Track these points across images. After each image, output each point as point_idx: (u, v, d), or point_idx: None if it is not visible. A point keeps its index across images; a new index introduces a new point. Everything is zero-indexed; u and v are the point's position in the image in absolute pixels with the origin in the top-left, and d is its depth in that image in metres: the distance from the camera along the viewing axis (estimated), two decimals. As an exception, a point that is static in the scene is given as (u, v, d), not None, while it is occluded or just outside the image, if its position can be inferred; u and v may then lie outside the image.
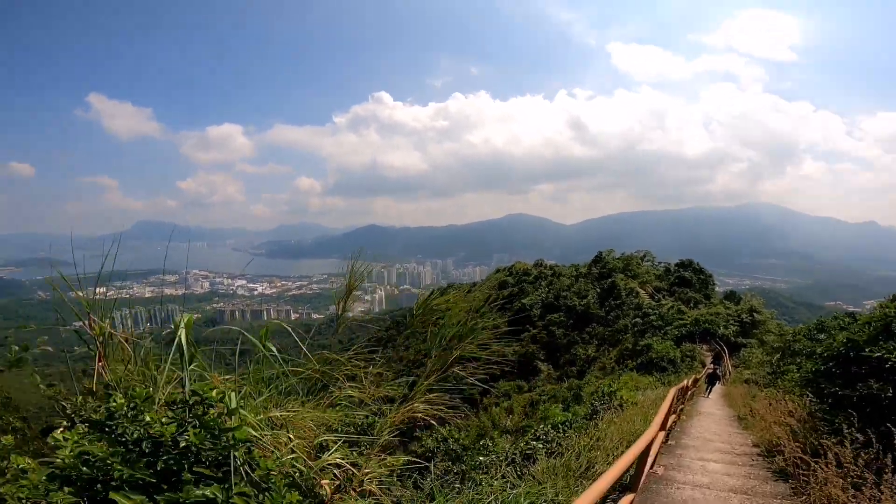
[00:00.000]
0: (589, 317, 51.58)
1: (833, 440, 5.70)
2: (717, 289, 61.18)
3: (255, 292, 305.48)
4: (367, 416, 4.14)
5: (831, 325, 18.48)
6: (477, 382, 5.04)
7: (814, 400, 7.77)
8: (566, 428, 9.70)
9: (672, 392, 8.77)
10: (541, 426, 10.51)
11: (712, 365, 28.79)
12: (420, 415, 4.33)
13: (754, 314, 38.55)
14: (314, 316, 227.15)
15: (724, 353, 30.67)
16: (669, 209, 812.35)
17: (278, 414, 3.42)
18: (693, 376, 18.63)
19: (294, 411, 3.54)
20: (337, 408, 3.98)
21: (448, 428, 10.89)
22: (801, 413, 8.00)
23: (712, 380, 21.68)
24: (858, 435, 5.60)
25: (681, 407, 12.53)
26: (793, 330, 25.28)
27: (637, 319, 45.56)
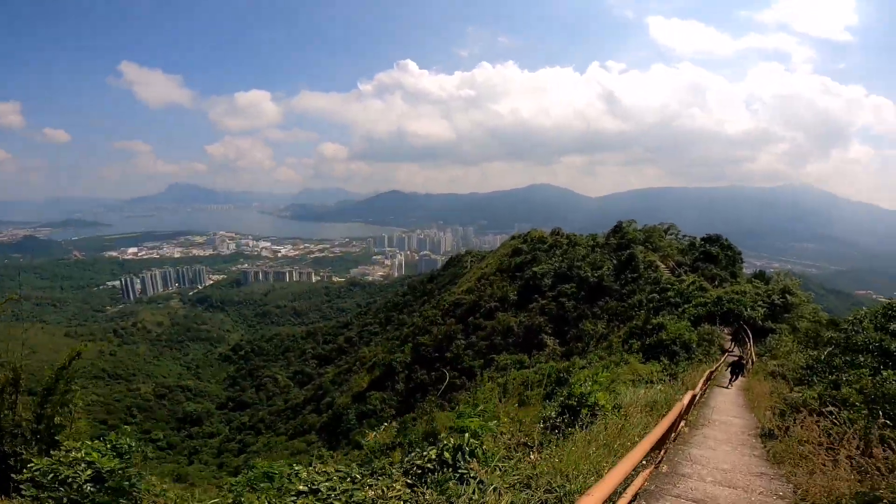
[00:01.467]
0: (602, 290, 48.85)
1: None
2: (744, 270, 56.80)
3: (279, 254, 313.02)
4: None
5: None
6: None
7: None
8: (459, 462, 5.00)
9: (673, 413, 6.56)
10: (425, 451, 5.33)
11: (737, 350, 25.92)
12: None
13: (787, 296, 33.95)
14: (335, 279, 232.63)
15: (748, 338, 27.50)
16: (703, 187, 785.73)
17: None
18: (705, 371, 15.28)
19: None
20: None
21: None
22: None
23: (736, 369, 19.41)
24: None
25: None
26: (842, 318, 19.61)
27: (654, 295, 41.97)
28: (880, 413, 6.79)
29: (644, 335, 29.46)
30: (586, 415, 7.90)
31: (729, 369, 19.96)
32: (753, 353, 24.60)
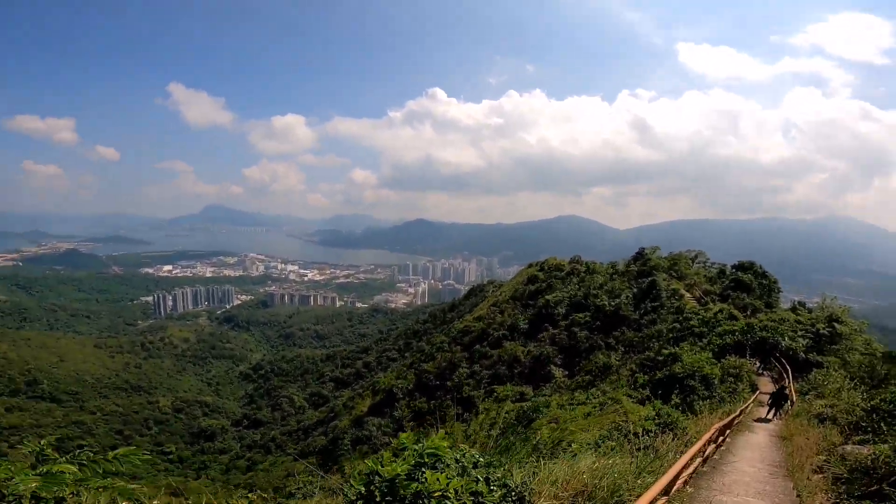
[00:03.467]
0: (619, 319, 46.03)
1: None
2: (781, 303, 50.54)
3: (306, 278, 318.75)
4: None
5: None
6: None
7: None
8: None
9: None
10: None
11: (771, 386, 22.99)
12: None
13: (834, 324, 29.50)
14: (358, 304, 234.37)
15: (787, 373, 23.94)
16: (737, 218, 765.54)
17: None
18: (718, 422, 11.40)
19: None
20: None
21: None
22: None
23: (778, 400, 17.56)
24: None
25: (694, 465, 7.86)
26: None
27: (675, 324, 38.38)
28: None
29: (657, 366, 26.43)
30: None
31: (769, 399, 17.92)
32: (794, 392, 20.96)
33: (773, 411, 17.48)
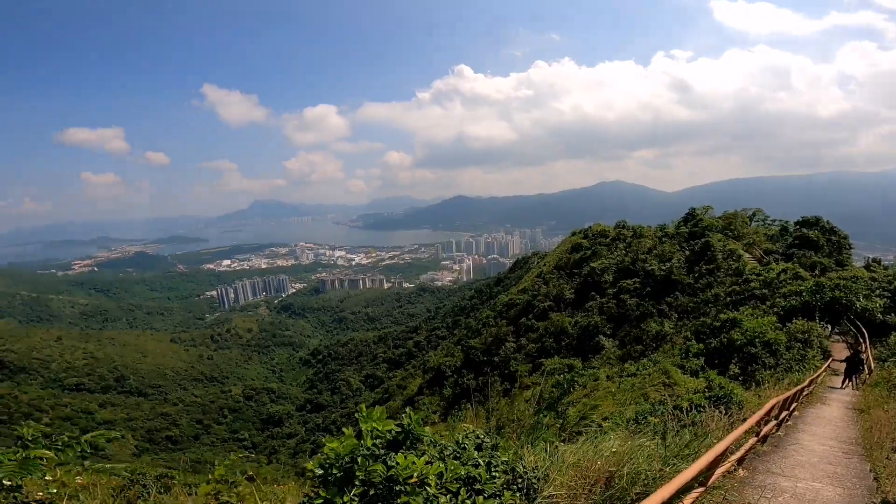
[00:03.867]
0: (671, 284, 43.12)
1: None
2: (854, 261, 46.62)
3: (353, 262, 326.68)
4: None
5: None
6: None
7: None
8: None
9: None
10: None
11: (852, 348, 20.95)
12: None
13: None
14: (405, 285, 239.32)
15: (864, 337, 21.77)
16: (797, 174, 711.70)
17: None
18: (778, 395, 9.74)
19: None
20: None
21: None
22: None
23: (853, 368, 16.56)
24: None
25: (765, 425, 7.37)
26: None
27: (734, 287, 35.59)
28: None
29: (714, 333, 24.39)
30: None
31: (844, 366, 16.92)
32: (871, 358, 19.16)
33: (848, 380, 16.51)
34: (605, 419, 9.98)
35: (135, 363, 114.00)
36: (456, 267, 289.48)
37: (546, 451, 4.58)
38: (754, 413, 7.38)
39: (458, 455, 3.78)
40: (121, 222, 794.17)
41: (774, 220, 55.74)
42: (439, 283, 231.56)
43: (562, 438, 5.70)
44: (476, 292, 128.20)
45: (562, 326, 48.08)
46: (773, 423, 8.33)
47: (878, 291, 26.19)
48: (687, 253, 47.16)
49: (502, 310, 67.30)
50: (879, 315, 24.22)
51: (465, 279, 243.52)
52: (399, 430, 3.53)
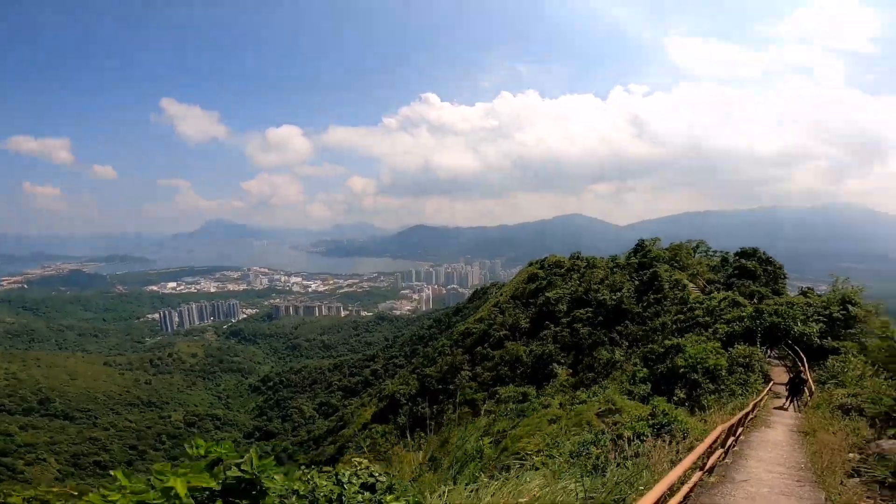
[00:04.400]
0: (622, 313, 44.93)
1: None
2: (789, 291, 48.89)
3: (310, 289, 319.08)
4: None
5: None
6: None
7: None
8: None
9: None
10: None
11: (791, 371, 21.89)
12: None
13: (848, 307, 27.66)
14: (363, 313, 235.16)
15: (801, 360, 22.60)
16: (738, 209, 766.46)
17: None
18: (723, 424, 8.78)
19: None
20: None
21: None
22: None
23: (795, 390, 17.02)
24: None
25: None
26: None
27: (680, 315, 37.25)
28: None
29: (658, 361, 25.19)
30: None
31: (786, 389, 17.44)
32: (811, 380, 19.71)
33: (790, 401, 17.03)
34: (538, 452, 9.56)
35: (62, 385, 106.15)
36: (415, 296, 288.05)
37: (465, 488, 4.12)
38: (700, 442, 6.91)
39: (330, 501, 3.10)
40: (63, 238, 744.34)
41: (716, 252, 58.79)
42: (398, 312, 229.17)
43: (490, 475, 5.40)
44: (435, 322, 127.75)
45: (517, 355, 48.86)
46: (721, 451, 8.05)
47: (814, 317, 27.40)
48: (636, 283, 49.30)
49: (458, 339, 67.77)
50: (816, 339, 25.27)
51: (424, 309, 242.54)
52: (234, 480, 2.48)
